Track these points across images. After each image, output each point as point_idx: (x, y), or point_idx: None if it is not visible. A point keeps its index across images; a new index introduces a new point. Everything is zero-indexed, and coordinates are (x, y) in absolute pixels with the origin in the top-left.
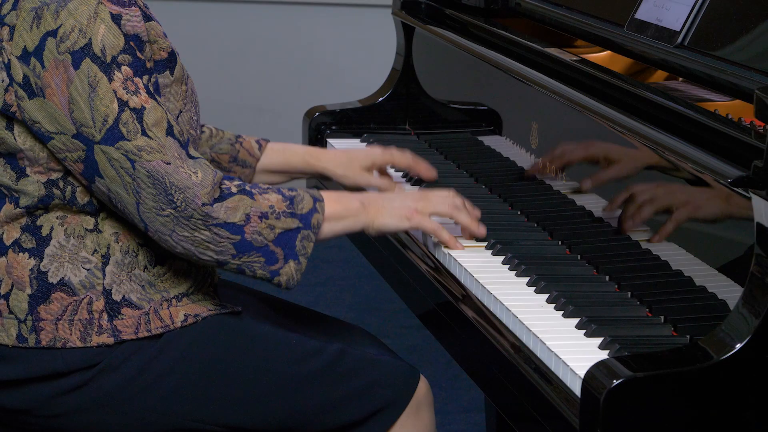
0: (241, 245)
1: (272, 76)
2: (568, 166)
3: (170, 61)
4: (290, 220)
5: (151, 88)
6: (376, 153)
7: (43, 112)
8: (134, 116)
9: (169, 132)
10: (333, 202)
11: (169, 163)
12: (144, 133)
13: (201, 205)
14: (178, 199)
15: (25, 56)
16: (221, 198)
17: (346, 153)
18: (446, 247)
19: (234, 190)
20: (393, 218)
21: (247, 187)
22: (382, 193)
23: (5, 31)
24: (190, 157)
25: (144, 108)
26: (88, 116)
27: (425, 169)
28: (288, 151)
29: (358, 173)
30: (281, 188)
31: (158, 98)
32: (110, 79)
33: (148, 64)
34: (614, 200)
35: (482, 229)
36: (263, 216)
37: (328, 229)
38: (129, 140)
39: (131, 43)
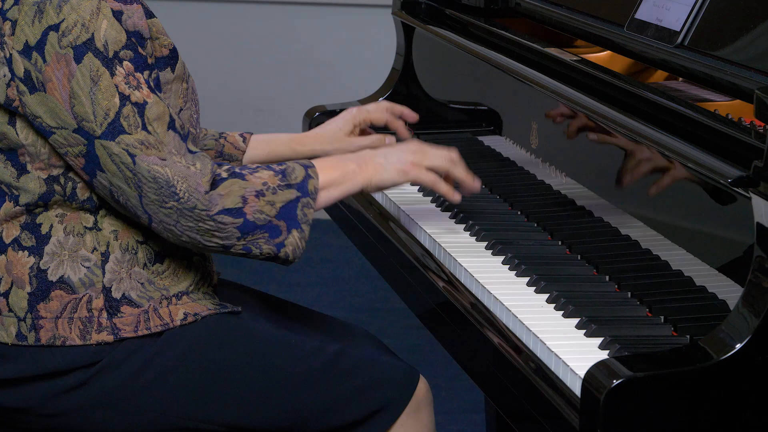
0: (245, 227)
1: (272, 76)
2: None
3: (171, 58)
4: (287, 191)
5: (152, 84)
6: (353, 114)
7: (44, 107)
8: (136, 110)
9: (171, 126)
10: (328, 168)
11: (165, 159)
12: (144, 128)
13: (204, 193)
14: (180, 190)
15: (26, 50)
16: (214, 185)
17: (327, 128)
18: (446, 198)
19: (224, 175)
20: (390, 173)
21: (237, 170)
22: (379, 149)
23: (7, 25)
24: (190, 151)
25: (146, 103)
26: (90, 110)
27: (408, 115)
28: (273, 142)
29: (346, 142)
30: (270, 165)
31: (159, 94)
32: (112, 74)
33: (150, 60)
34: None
35: (477, 183)
36: (259, 194)
37: (327, 196)
38: (130, 134)
39: (133, 39)
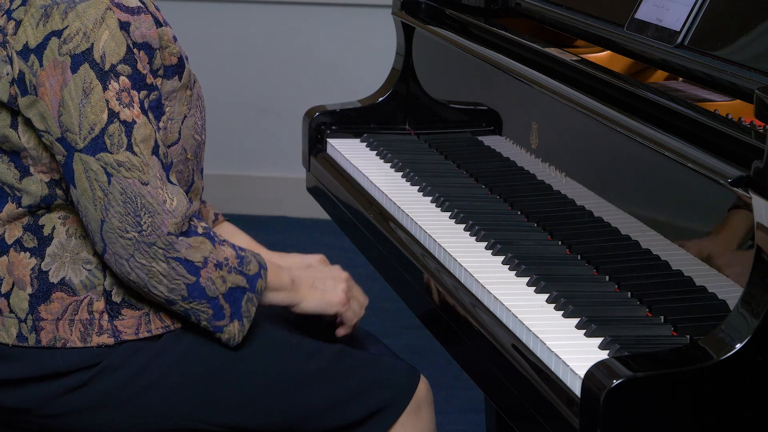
0: (194, 289)
1: (272, 76)
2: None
3: (179, 66)
4: (240, 277)
5: (146, 105)
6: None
7: (33, 110)
8: (123, 129)
9: (155, 151)
10: (273, 273)
11: (147, 184)
12: (129, 148)
13: (166, 234)
14: (144, 223)
15: (24, 52)
16: (187, 233)
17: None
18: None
19: (200, 230)
20: (318, 303)
21: (211, 233)
22: (316, 272)
23: (11, 25)
24: (170, 182)
25: (135, 122)
26: (76, 122)
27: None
28: (234, 238)
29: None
30: (234, 245)
31: (151, 116)
32: (105, 88)
33: (149, 80)
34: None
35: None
36: (219, 265)
37: (268, 298)
38: (111, 153)
39: (141, 52)
